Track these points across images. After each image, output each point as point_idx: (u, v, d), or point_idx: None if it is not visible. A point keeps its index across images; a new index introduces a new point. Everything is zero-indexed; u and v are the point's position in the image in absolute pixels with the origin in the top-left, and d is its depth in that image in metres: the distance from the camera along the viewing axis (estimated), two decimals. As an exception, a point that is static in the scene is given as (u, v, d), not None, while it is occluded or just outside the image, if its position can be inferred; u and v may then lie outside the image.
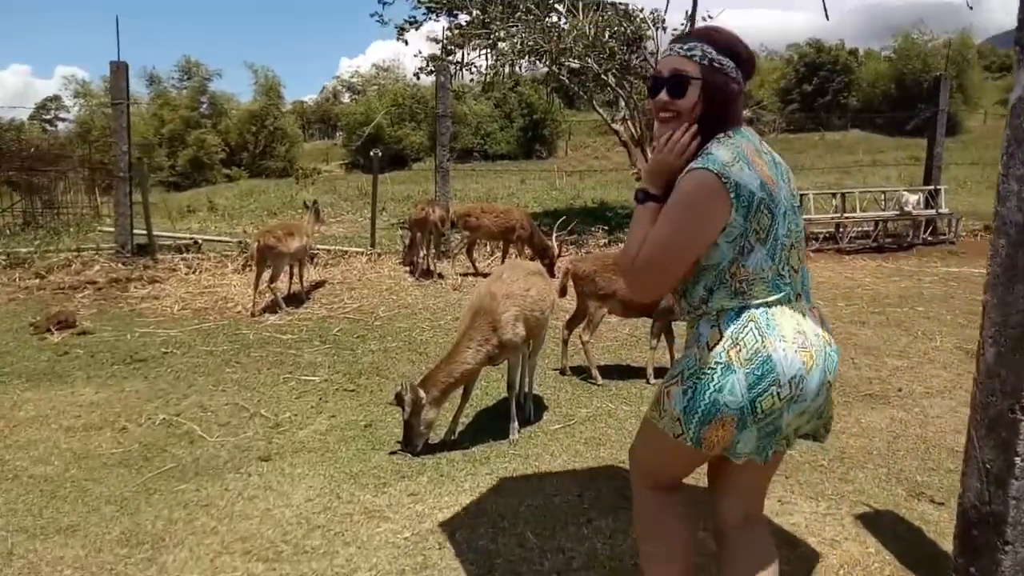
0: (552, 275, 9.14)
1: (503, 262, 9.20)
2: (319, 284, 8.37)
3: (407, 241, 9.19)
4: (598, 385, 5.10)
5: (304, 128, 53.60)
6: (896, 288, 8.62)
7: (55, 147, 17.51)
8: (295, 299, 7.62)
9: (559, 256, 9.23)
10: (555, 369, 5.44)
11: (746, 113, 2.25)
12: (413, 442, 3.78)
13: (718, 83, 1.85)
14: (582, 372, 5.29)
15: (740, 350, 1.82)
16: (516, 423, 4.09)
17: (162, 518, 3.23)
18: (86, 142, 28.44)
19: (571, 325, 5.35)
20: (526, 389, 4.55)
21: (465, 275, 9.00)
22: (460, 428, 4.19)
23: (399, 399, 3.69)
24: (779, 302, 1.87)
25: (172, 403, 4.71)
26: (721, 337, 1.84)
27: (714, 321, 1.87)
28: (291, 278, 7.82)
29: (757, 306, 1.85)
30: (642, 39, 11.02)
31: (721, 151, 1.82)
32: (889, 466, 3.82)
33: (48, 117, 52.28)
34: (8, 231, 11.77)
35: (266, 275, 7.18)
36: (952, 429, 4.26)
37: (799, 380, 1.83)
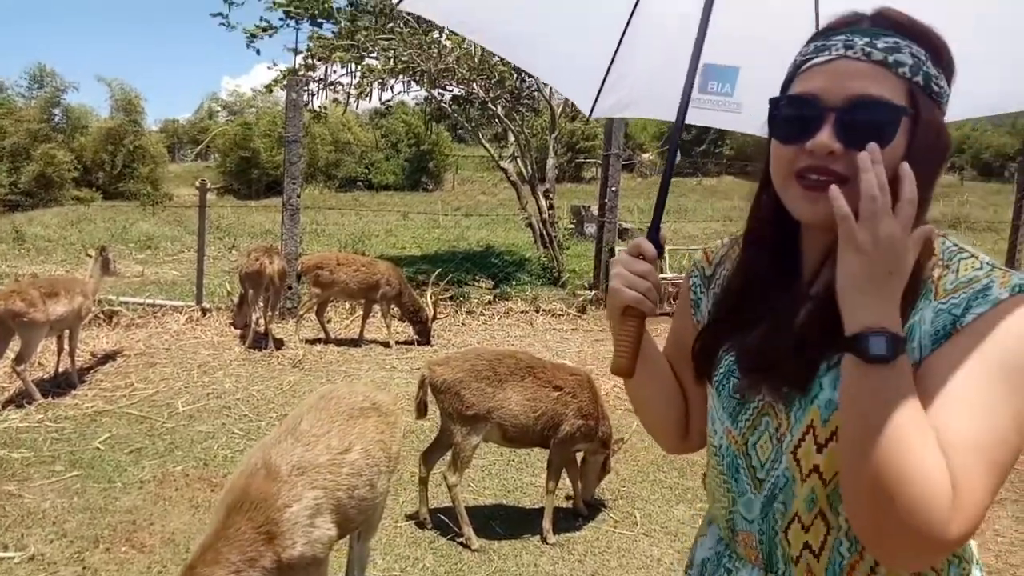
0: (427, 342, 7.47)
1: (363, 324, 7.41)
2: (110, 356, 6.26)
3: (237, 298, 7.25)
4: (472, 550, 3.42)
5: (174, 148, 49.90)
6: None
7: None
8: (64, 383, 5.52)
9: (435, 318, 7.56)
10: (410, 518, 3.72)
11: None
12: None
13: (936, 123, 0.99)
14: (448, 531, 3.58)
15: None
16: None
17: None
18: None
19: (430, 457, 3.64)
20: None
21: (313, 342, 7.12)
22: None
23: None
24: None
25: None
26: None
27: None
28: (60, 352, 5.70)
29: None
30: (535, 66, 9.58)
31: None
32: None
33: None
34: None
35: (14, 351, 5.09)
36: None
37: None
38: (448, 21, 2.18)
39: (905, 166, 0.91)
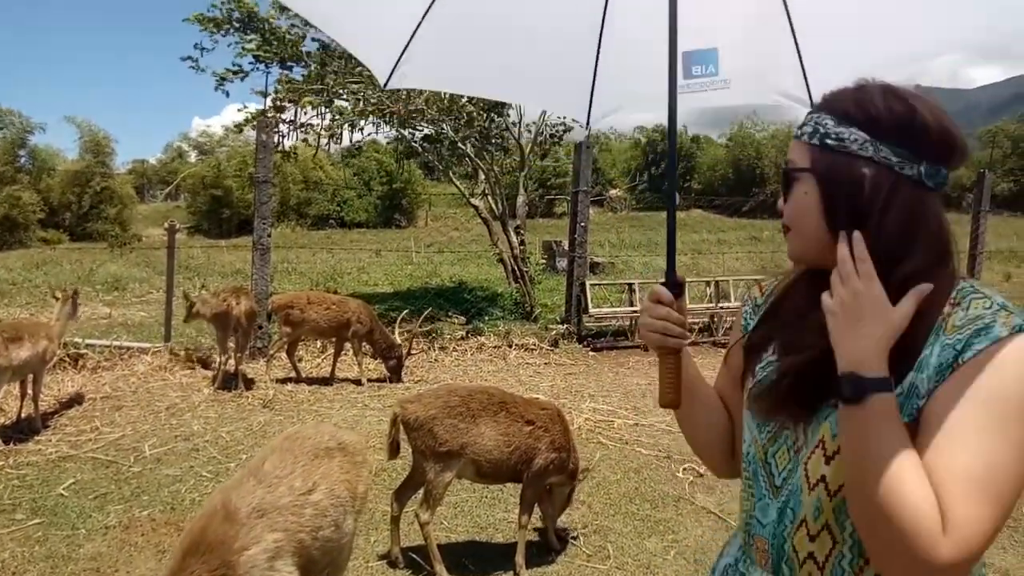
0: (398, 379, 7.44)
1: (335, 362, 7.37)
2: (75, 400, 6.16)
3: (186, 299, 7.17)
4: (444, 589, 3.40)
5: (143, 189, 49.52)
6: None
7: None
8: (27, 428, 5.41)
9: (409, 355, 7.55)
10: (382, 558, 3.69)
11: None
12: None
13: (842, 171, 1.10)
14: (420, 570, 3.57)
15: None
16: None
17: None
18: None
19: (402, 495, 3.63)
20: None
21: (284, 382, 7.07)
22: None
23: None
24: None
25: None
26: None
27: None
28: (23, 397, 5.59)
29: None
30: (504, 104, 9.77)
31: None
32: None
33: None
34: None
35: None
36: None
37: None
38: (440, 86, 2.34)
39: (857, 235, 1.05)
